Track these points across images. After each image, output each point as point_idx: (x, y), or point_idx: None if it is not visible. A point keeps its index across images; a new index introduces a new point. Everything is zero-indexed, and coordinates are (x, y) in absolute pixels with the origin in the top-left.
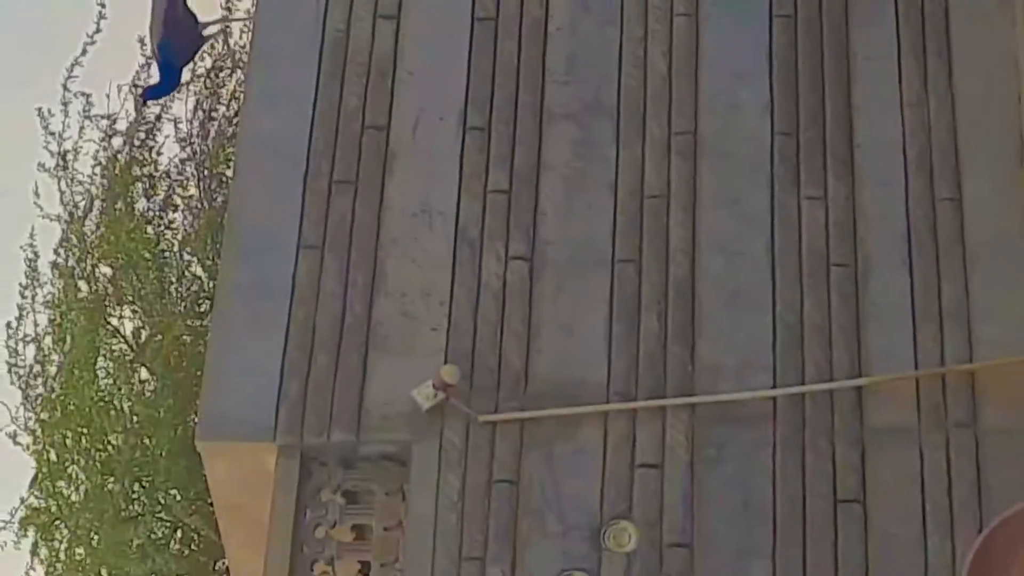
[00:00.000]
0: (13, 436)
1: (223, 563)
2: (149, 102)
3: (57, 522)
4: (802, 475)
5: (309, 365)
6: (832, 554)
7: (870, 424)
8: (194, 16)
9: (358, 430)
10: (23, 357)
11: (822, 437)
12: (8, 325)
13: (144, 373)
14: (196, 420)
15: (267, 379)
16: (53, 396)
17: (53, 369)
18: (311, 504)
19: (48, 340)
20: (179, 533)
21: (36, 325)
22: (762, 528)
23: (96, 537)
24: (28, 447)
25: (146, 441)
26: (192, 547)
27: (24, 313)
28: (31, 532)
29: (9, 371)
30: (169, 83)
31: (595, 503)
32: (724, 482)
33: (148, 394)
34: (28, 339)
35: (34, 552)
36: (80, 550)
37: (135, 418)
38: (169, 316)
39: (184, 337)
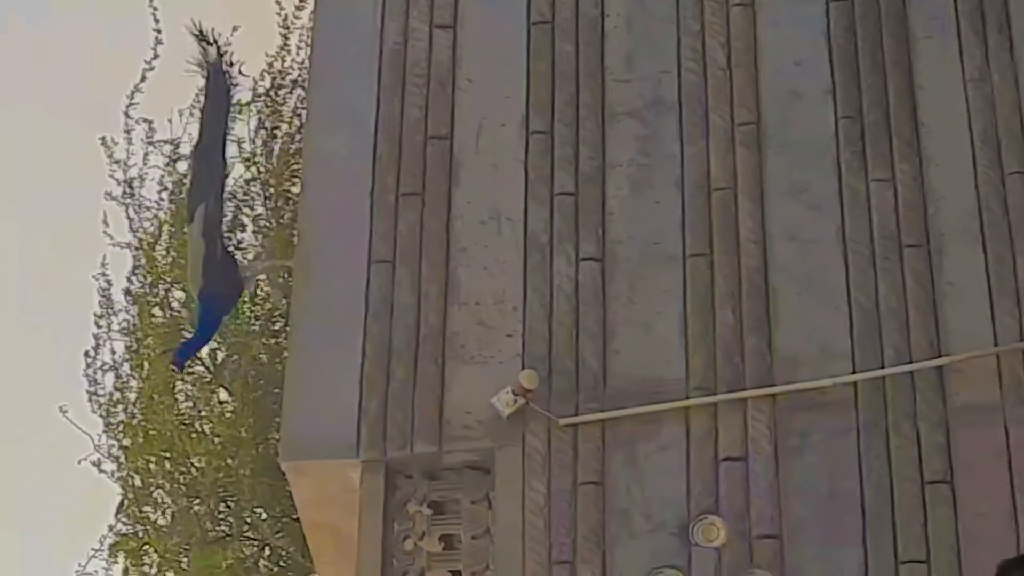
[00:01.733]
0: (97, 464)
1: None
2: (183, 362)
3: (146, 547)
4: (888, 459)
5: (387, 379)
6: (923, 536)
7: (953, 404)
8: (233, 259)
9: (440, 440)
10: (102, 385)
11: (905, 420)
12: (86, 354)
13: (223, 394)
14: (278, 439)
15: (346, 395)
16: (134, 422)
17: (132, 395)
18: (398, 517)
19: (126, 367)
20: (267, 552)
21: (113, 353)
22: (850, 515)
23: (185, 560)
24: (112, 474)
25: (229, 462)
26: (281, 565)
27: (101, 341)
28: (121, 558)
29: (89, 399)
30: (206, 335)
31: (681, 499)
32: (809, 471)
33: (228, 415)
34: (106, 367)
35: None
36: (170, 574)
37: (217, 439)
38: (244, 336)
39: (260, 356)
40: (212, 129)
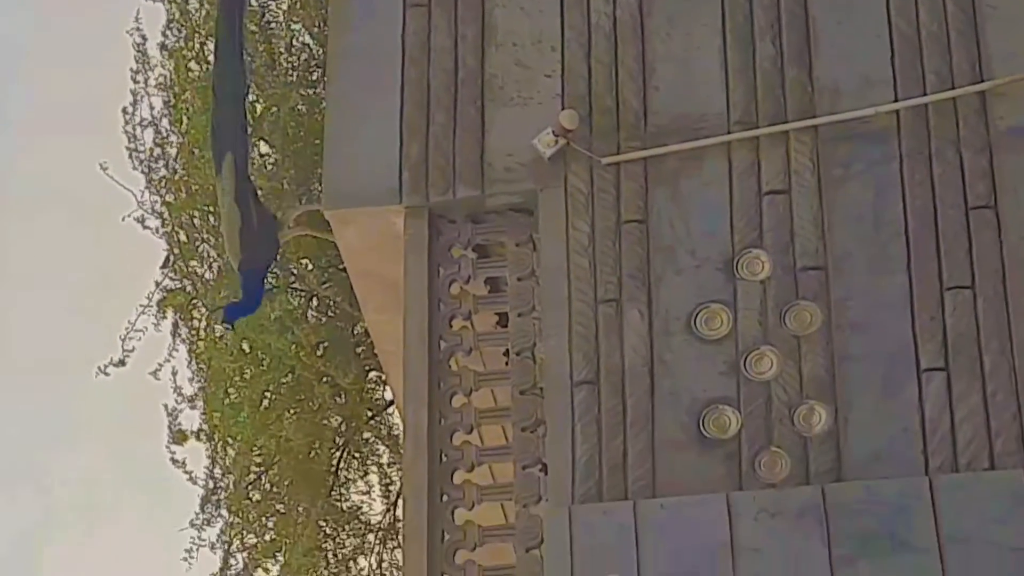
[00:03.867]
0: (141, 220)
1: (361, 327)
2: (232, 322)
3: (194, 301)
4: (931, 186)
5: (427, 123)
6: (968, 262)
7: (996, 128)
8: (268, 220)
9: (483, 184)
10: (142, 141)
11: (948, 146)
12: (124, 111)
13: (264, 147)
14: (321, 189)
15: (387, 142)
16: (176, 177)
17: (173, 151)
18: (443, 262)
19: (165, 122)
20: (315, 303)
21: (152, 108)
22: (895, 243)
23: None
24: (157, 230)
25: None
26: (328, 315)
27: (139, 98)
28: (169, 314)
29: (130, 156)
30: (253, 303)
31: (725, 234)
32: (853, 201)
33: (270, 167)
34: (145, 123)
35: (174, 333)
36: (219, 327)
37: (259, 192)
38: (282, 88)
39: (299, 107)
40: (228, 53)
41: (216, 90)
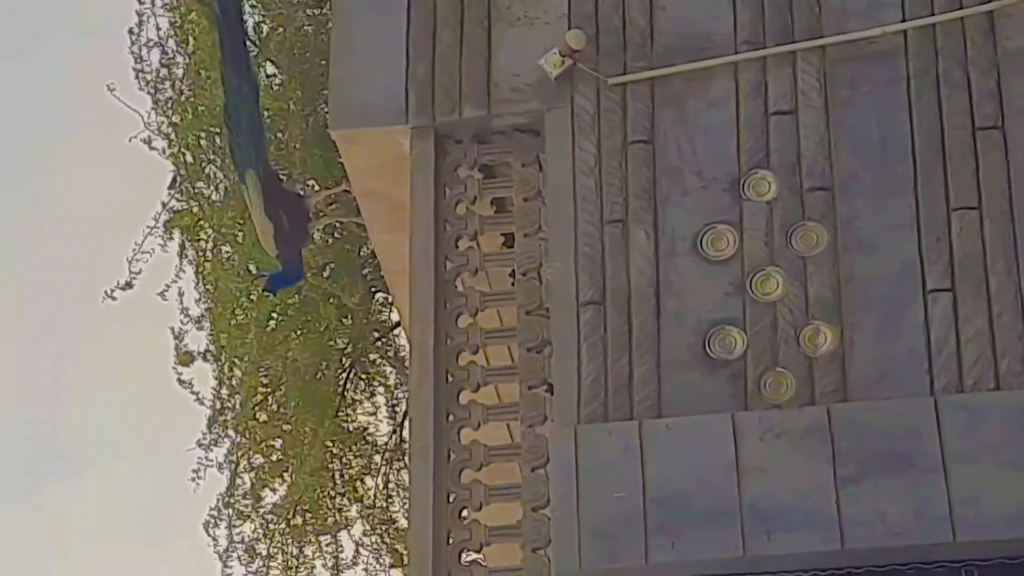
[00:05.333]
0: (148, 141)
1: (367, 249)
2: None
3: (201, 222)
4: (938, 107)
5: (434, 44)
6: (975, 183)
7: (1004, 48)
8: (299, 210)
9: (489, 104)
10: (148, 62)
11: (956, 67)
12: (130, 31)
13: (270, 67)
14: (327, 110)
15: (393, 61)
16: (182, 98)
17: (180, 71)
18: (449, 182)
19: (171, 43)
20: (321, 224)
21: (158, 29)
22: (902, 164)
23: (241, 234)
24: (163, 151)
25: (279, 135)
26: (335, 236)
27: (144, 18)
28: (176, 235)
29: (136, 77)
30: (294, 278)
31: (732, 155)
32: (860, 122)
33: (276, 88)
34: (151, 44)
35: (181, 254)
36: (226, 248)
37: (266, 113)
38: (288, 8)
39: (306, 28)
40: (234, 63)
41: (227, 115)
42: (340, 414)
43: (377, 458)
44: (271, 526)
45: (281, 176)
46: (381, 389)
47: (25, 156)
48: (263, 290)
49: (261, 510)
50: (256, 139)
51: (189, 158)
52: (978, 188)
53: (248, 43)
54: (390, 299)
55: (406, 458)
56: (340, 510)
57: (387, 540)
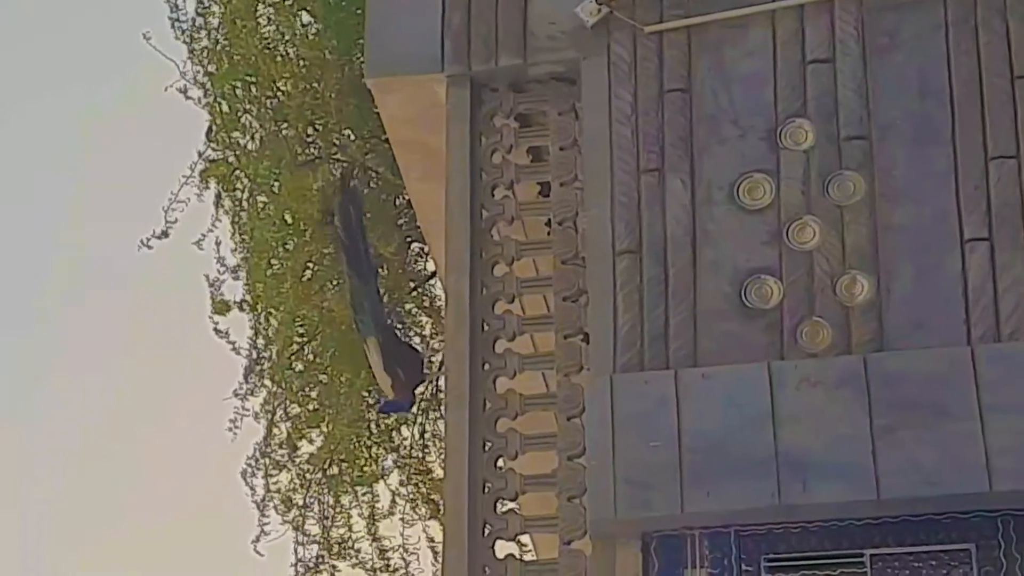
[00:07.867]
0: (184, 91)
1: (403, 199)
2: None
3: (237, 172)
4: (977, 55)
5: None
6: (1013, 131)
7: None
8: (415, 356)
9: (525, 52)
10: (184, 11)
11: (995, 15)
12: None
13: (306, 16)
14: (363, 59)
15: (430, 10)
16: (218, 48)
17: (215, 21)
18: (485, 131)
19: None
20: (357, 172)
21: None
22: (939, 113)
23: (276, 184)
24: (199, 100)
25: (315, 85)
26: (371, 186)
27: None
28: (212, 184)
29: (172, 26)
30: (408, 403)
31: (769, 103)
32: (898, 70)
33: (312, 37)
34: None
35: (217, 203)
36: (262, 198)
37: (302, 62)
38: None
39: None
40: (357, 267)
41: (352, 302)
42: None
43: (413, 407)
44: (307, 476)
45: (398, 332)
46: (417, 339)
47: (63, 109)
48: (378, 411)
49: (297, 460)
50: (376, 316)
51: (225, 107)
52: (1016, 137)
53: (366, 248)
54: (426, 249)
55: (442, 408)
56: (376, 460)
57: (423, 489)
